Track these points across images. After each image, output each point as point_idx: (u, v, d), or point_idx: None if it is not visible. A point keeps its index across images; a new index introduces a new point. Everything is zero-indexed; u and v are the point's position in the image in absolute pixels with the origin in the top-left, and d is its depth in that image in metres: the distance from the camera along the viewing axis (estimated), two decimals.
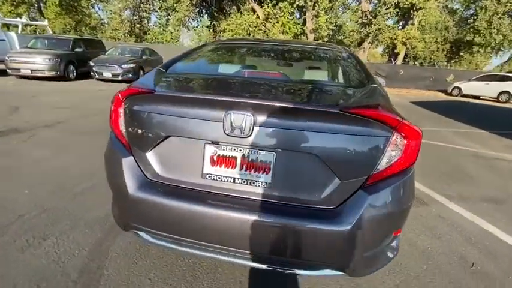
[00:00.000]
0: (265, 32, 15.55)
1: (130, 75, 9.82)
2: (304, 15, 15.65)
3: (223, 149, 1.15)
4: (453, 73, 16.60)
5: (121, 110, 1.29)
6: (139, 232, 1.32)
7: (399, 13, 16.89)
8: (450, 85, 15.07)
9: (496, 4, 15.73)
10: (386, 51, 25.03)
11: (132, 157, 1.26)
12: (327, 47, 2.09)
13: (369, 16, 16.95)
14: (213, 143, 1.15)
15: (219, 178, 1.17)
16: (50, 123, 4.32)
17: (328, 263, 1.13)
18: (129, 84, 1.37)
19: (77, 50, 10.05)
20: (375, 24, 15.92)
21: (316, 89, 1.43)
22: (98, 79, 9.86)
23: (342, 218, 1.07)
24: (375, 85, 1.40)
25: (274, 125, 1.07)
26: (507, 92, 12.94)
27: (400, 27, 18.48)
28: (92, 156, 3.11)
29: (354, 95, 1.29)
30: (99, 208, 2.12)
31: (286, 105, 1.09)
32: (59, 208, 2.10)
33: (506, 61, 23.86)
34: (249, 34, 15.50)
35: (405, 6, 16.00)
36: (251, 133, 1.07)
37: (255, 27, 15.48)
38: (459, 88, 14.44)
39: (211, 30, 20.54)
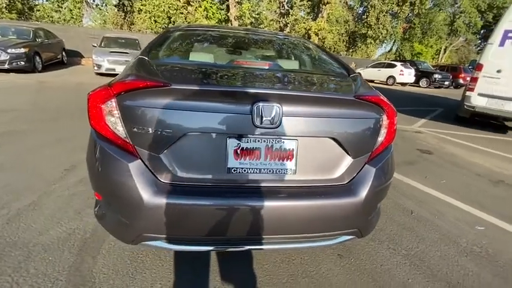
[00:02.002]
0: (187, 16, 14.66)
1: (23, 63, 7.80)
2: (227, 1, 15.48)
3: (247, 141, 1.14)
4: (354, 61, 19.64)
5: (113, 108, 1.11)
6: (151, 242, 1.19)
7: (311, 5, 18.62)
8: None
9: (381, 3, 19.27)
10: None
11: (139, 160, 1.11)
12: (294, 37, 2.21)
13: (285, 6, 18.08)
14: (238, 136, 1.12)
15: (245, 171, 1.16)
16: None
17: (346, 230, 1.30)
18: (117, 79, 1.16)
19: None
20: (292, 15, 17.12)
21: (321, 79, 1.53)
22: None
23: (357, 190, 1.24)
24: (357, 74, 1.61)
25: (298, 113, 1.13)
26: (392, 77, 16.20)
27: (312, 19, 20.44)
28: (19, 163, 2.48)
29: (354, 83, 1.44)
30: (55, 227, 1.76)
31: (308, 94, 1.16)
32: None
33: (389, 51, 29.68)
34: (170, 17, 14.33)
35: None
36: (280, 123, 1.10)
37: (176, 9, 14.39)
38: (359, 74, 17.26)
39: (120, 10, 17.99)
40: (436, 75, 16.33)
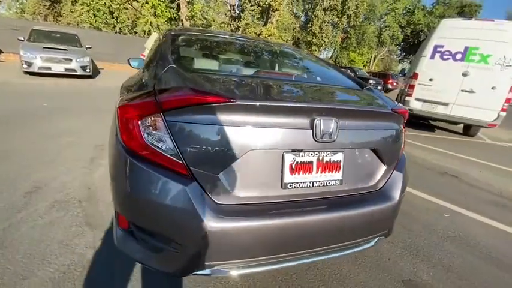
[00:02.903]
0: (132, 12, 13.51)
1: None
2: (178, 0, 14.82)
3: (302, 156, 1.14)
4: None
5: (161, 125, 0.98)
6: (204, 271, 1.08)
7: (261, 11, 19.18)
8: None
9: (324, 14, 21.04)
10: None
11: (195, 182, 1.00)
12: (292, 48, 2.25)
13: (236, 10, 18.22)
14: (294, 150, 1.11)
15: (299, 185, 1.15)
16: None
17: (381, 232, 1.40)
18: (167, 91, 1.02)
19: None
20: (243, 19, 17.35)
21: (350, 92, 1.59)
22: None
23: (391, 194, 1.35)
24: (370, 86, 1.74)
25: (347, 127, 1.18)
26: None
27: (262, 24, 21.07)
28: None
29: (380, 96, 1.54)
30: (41, 267, 1.45)
31: (357, 109, 1.22)
32: None
33: (330, 58, 32.58)
34: (112, 12, 13.00)
35: (264, 5, 18.36)
36: (336, 137, 1.13)
37: (119, 4, 13.12)
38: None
39: None
40: (371, 81, 18.55)
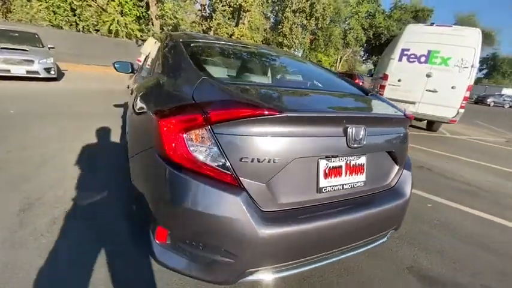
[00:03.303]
0: (97, 10, 12.68)
1: None
2: None
3: (334, 161, 1.22)
4: None
5: (211, 139, 1.00)
6: (251, 277, 1.12)
7: (232, 12, 19.13)
8: None
9: (293, 16, 21.61)
10: None
11: (245, 192, 1.03)
12: (293, 54, 2.34)
13: (207, 10, 17.97)
14: (327, 156, 1.19)
15: (332, 188, 1.24)
16: None
17: (394, 226, 1.54)
18: (213, 104, 1.03)
19: None
20: (215, 19, 17.17)
21: (365, 98, 1.70)
22: None
23: (403, 191, 1.49)
24: (374, 92, 1.88)
25: (371, 132, 1.29)
26: None
27: (234, 24, 21.05)
28: None
29: (386, 102, 1.67)
30: None
31: (378, 116, 1.33)
32: None
33: None
34: (74, 10, 12.07)
35: (235, 6, 18.36)
36: (365, 142, 1.23)
37: (82, 1, 12.22)
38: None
39: None
40: None
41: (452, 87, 6.39)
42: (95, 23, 13.26)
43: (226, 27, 19.11)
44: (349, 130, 1.17)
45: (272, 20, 27.46)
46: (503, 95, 34.89)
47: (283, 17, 22.33)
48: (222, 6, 17.58)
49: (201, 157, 1.02)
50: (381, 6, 33.10)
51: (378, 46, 32.97)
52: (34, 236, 1.72)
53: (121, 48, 13.70)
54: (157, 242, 1.17)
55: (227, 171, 1.02)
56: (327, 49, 30.18)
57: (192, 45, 1.80)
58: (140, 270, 1.56)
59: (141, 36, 14.01)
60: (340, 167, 1.25)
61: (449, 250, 2.12)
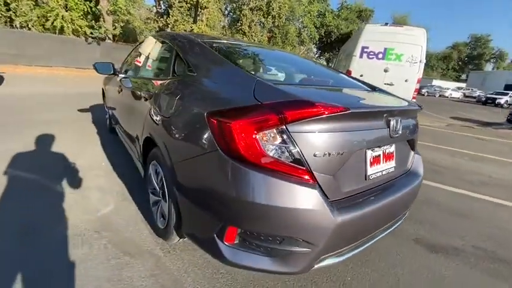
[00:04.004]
0: (36, 3, 11.13)
1: None
2: None
3: (376, 151, 1.37)
4: None
5: (286, 137, 1.07)
6: (322, 263, 1.21)
7: (189, 8, 18.53)
8: None
9: (251, 14, 21.79)
10: None
11: (318, 184, 1.12)
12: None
13: (162, 6, 17.11)
14: (375, 147, 1.33)
15: (375, 175, 1.39)
16: None
17: (411, 204, 1.76)
18: (284, 105, 1.08)
19: None
20: (172, 16, 16.45)
21: (379, 93, 1.88)
22: None
23: (418, 172, 1.72)
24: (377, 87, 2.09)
25: (402, 123, 1.47)
26: None
27: (192, 21, 20.41)
28: None
29: (395, 95, 1.88)
30: None
31: (407, 108, 1.51)
32: None
33: None
34: (7, 4, 10.40)
35: (192, 2, 17.83)
36: (400, 132, 1.40)
37: None
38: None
39: None
40: None
41: (405, 81, 7.21)
42: (37, 19, 11.60)
43: (183, 24, 18.44)
44: (392, 122, 1.33)
45: (229, 18, 27.32)
46: (433, 85, 40.22)
47: (241, 15, 22.37)
48: (179, 2, 16.92)
49: (277, 155, 1.07)
50: (329, 6, 35.20)
51: (329, 43, 35.13)
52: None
53: (68, 47, 12.32)
54: (226, 243, 1.18)
55: (303, 167, 1.09)
56: (284, 46, 31.10)
57: (214, 45, 1.79)
58: None
59: (91, 33, 12.75)
60: (379, 155, 1.41)
61: (439, 221, 2.48)
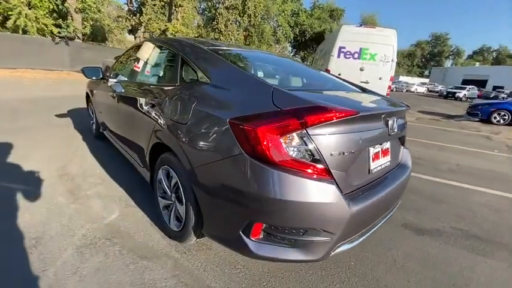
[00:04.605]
0: None
1: None
2: None
3: (376, 147, 1.55)
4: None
5: (307, 139, 1.20)
6: (337, 250, 1.36)
7: (163, 6, 18.04)
8: None
9: (227, 13, 21.69)
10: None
11: (334, 180, 1.26)
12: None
13: (134, 4, 16.50)
14: (376, 144, 1.51)
15: (376, 169, 1.56)
16: None
17: (403, 193, 1.97)
18: (304, 110, 1.20)
19: None
20: (146, 14, 15.93)
21: (369, 94, 2.06)
22: None
23: (407, 164, 1.94)
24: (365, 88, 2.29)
25: (397, 122, 1.66)
26: None
27: (166, 20, 19.87)
28: None
29: (383, 96, 2.08)
30: None
31: (400, 109, 1.71)
32: None
33: None
34: None
35: (165, 0, 17.40)
36: (396, 131, 1.59)
37: None
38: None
39: None
40: None
41: (379, 79, 7.69)
42: None
43: (157, 23, 17.92)
44: (390, 122, 1.51)
45: (205, 16, 26.94)
46: (401, 81, 42.79)
47: (216, 13, 22.19)
48: (152, 0, 16.42)
49: (299, 156, 1.20)
50: (303, 5, 36.02)
51: (304, 42, 35.99)
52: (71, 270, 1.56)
53: (34, 47, 11.48)
54: (253, 239, 1.29)
55: (322, 166, 1.22)
56: (260, 45, 31.35)
57: (220, 52, 1.87)
58: None
59: (58, 32, 11.97)
60: (379, 152, 1.59)
61: (421, 207, 2.77)
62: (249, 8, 22.71)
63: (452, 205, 2.90)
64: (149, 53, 2.28)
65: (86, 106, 4.40)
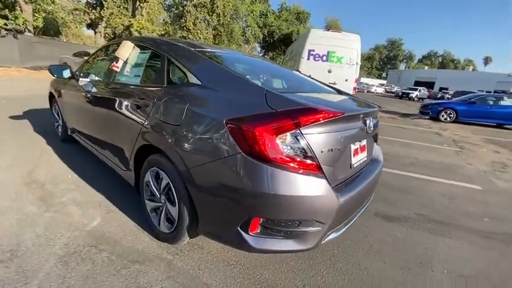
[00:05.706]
0: None
1: None
2: None
3: (356, 144, 1.72)
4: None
5: (300, 138, 1.31)
6: (328, 238, 1.49)
7: (126, 1, 17.10)
8: None
9: (196, 11, 21.25)
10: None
11: (324, 175, 1.38)
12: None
13: None
14: (356, 141, 1.68)
15: (356, 164, 1.73)
16: None
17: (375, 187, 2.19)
18: (298, 112, 1.30)
19: None
20: (107, 8, 14.97)
21: (345, 96, 2.23)
22: None
23: (379, 159, 2.16)
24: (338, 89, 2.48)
25: (372, 121, 1.85)
26: None
27: (130, 15, 18.84)
28: None
29: (355, 97, 2.28)
30: None
31: (376, 109, 1.90)
32: None
33: None
34: None
35: None
36: (372, 129, 1.78)
37: None
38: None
39: None
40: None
41: (346, 80, 8.21)
42: None
43: (120, 18, 16.95)
44: (367, 121, 1.69)
45: (172, 13, 26.06)
46: (362, 82, 45.74)
47: (184, 11, 21.63)
48: None
49: (293, 153, 1.30)
50: (271, 7, 36.65)
51: (272, 43, 36.66)
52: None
53: None
54: (251, 233, 1.37)
55: (314, 162, 1.34)
56: (230, 45, 31.24)
57: (208, 54, 1.89)
58: None
59: (5, 24, 10.71)
60: (358, 148, 1.76)
61: (392, 198, 3.07)
62: (217, 6, 22.55)
63: (414, 194, 3.25)
64: (129, 52, 2.21)
65: (45, 107, 4.06)
